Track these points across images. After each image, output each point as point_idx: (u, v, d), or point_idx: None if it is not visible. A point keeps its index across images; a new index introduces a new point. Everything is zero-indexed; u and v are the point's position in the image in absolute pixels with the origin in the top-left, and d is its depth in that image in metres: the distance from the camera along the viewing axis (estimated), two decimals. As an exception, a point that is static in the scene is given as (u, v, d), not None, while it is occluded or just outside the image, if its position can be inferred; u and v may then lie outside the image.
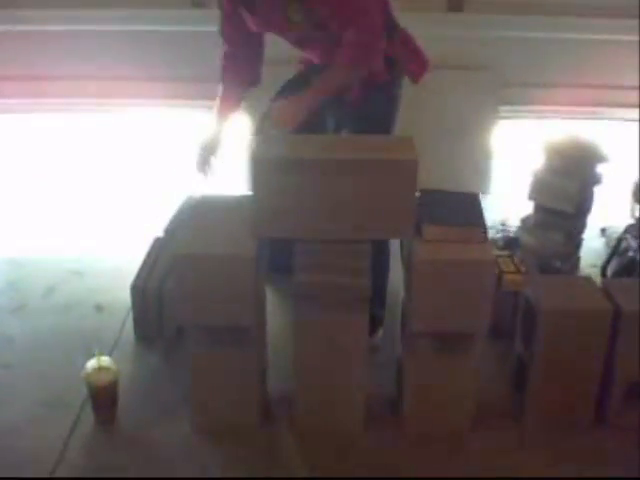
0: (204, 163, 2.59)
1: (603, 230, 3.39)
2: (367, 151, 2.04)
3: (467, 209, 2.16)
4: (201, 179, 2.60)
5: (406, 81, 2.58)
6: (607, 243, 3.27)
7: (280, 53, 2.60)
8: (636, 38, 3.51)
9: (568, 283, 2.36)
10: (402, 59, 2.50)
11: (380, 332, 2.63)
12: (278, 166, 1.97)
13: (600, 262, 3.06)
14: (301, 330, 2.12)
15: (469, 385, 2.18)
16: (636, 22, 3.46)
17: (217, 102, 2.58)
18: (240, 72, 2.57)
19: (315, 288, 2.04)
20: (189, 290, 2.03)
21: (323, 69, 2.34)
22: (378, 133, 2.41)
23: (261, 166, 1.97)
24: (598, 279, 2.74)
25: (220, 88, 2.58)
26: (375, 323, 2.55)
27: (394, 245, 2.51)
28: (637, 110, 3.66)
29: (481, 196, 2.31)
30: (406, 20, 2.56)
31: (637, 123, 3.65)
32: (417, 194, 2.06)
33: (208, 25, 2.76)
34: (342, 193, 1.96)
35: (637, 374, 2.17)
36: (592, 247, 3.26)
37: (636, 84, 3.63)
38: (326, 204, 1.98)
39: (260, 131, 2.43)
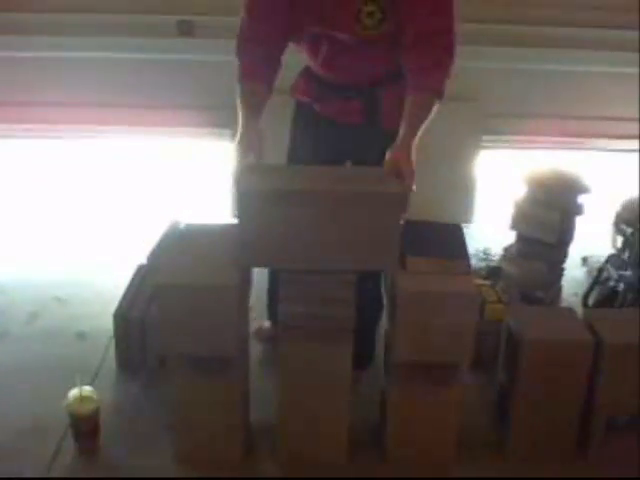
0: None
1: (585, 259, 3.43)
2: (353, 183, 2.04)
3: (450, 240, 2.18)
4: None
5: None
6: (589, 272, 3.31)
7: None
8: (619, 70, 3.58)
9: (550, 314, 2.39)
10: None
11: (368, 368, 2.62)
12: (263, 197, 1.96)
13: (581, 291, 3.09)
14: (285, 360, 2.12)
15: (452, 415, 2.19)
16: (620, 54, 3.52)
17: (242, 102, 2.22)
18: (263, 73, 2.26)
19: (299, 319, 2.04)
20: (172, 319, 2.02)
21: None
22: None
23: (246, 197, 1.97)
24: (579, 308, 2.78)
25: (240, 89, 2.24)
26: (365, 359, 2.56)
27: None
28: (632, 140, 3.72)
29: (464, 226, 2.32)
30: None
31: (627, 154, 3.71)
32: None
33: (194, 54, 2.80)
34: (327, 224, 1.97)
35: (618, 405, 2.18)
36: (574, 276, 3.30)
37: (618, 115, 3.69)
38: (311, 235, 1.98)
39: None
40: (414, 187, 2.03)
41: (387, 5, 2.10)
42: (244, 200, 1.97)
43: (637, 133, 3.68)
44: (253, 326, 2.59)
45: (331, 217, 1.96)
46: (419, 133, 2.10)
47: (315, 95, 2.40)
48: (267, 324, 2.79)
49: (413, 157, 2.06)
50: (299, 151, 2.50)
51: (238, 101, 2.21)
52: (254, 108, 2.18)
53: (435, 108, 2.13)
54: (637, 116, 3.62)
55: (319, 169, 2.19)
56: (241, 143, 2.08)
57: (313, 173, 2.13)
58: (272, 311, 2.70)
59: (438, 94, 2.14)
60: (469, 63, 3.65)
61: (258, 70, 2.23)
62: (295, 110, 2.54)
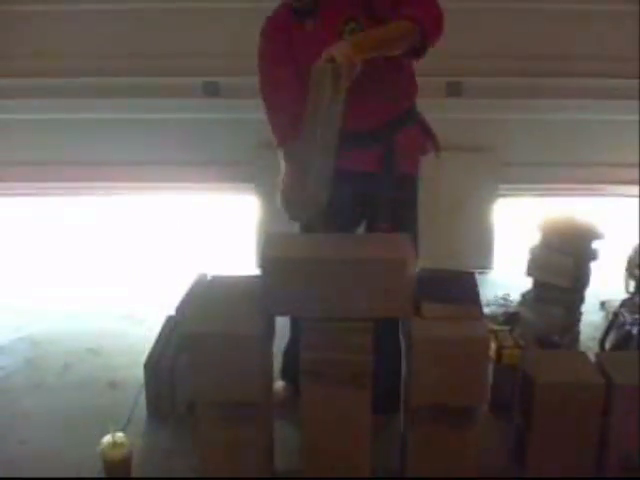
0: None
1: (603, 303, 3.48)
2: (365, 250, 2.19)
3: (463, 287, 2.27)
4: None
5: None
6: (606, 316, 3.36)
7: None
8: (634, 118, 3.67)
9: (563, 358, 2.45)
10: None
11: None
12: (286, 264, 2.11)
13: (599, 335, 3.14)
14: (307, 406, 2.20)
15: (470, 456, 2.23)
16: (634, 103, 3.63)
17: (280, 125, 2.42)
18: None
19: (320, 364, 2.14)
20: (200, 367, 2.12)
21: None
22: (409, 218, 2.53)
23: (270, 264, 2.11)
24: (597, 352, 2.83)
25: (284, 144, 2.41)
26: (393, 401, 2.56)
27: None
28: (636, 187, 3.79)
29: (483, 273, 2.40)
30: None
31: (633, 199, 3.77)
32: (416, 272, 2.17)
33: (219, 113, 2.94)
34: (344, 283, 2.09)
35: (631, 445, 2.23)
36: (592, 320, 3.35)
37: (633, 161, 3.77)
38: (331, 290, 2.10)
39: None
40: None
41: (367, 22, 2.24)
42: (267, 266, 2.11)
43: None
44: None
45: (347, 278, 2.09)
46: (376, 46, 2.12)
47: None
48: (280, 384, 2.80)
49: (357, 58, 2.03)
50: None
51: (282, 163, 2.40)
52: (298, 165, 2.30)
53: (410, 38, 2.16)
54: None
55: (333, 236, 2.35)
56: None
57: (329, 241, 2.31)
58: (287, 372, 2.79)
59: (420, 24, 2.16)
60: (485, 115, 3.80)
61: (289, 132, 2.34)
62: None
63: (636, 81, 3.58)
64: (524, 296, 3.25)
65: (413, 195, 2.57)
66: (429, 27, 2.18)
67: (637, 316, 2.89)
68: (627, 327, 2.93)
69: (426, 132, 2.57)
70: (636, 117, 3.64)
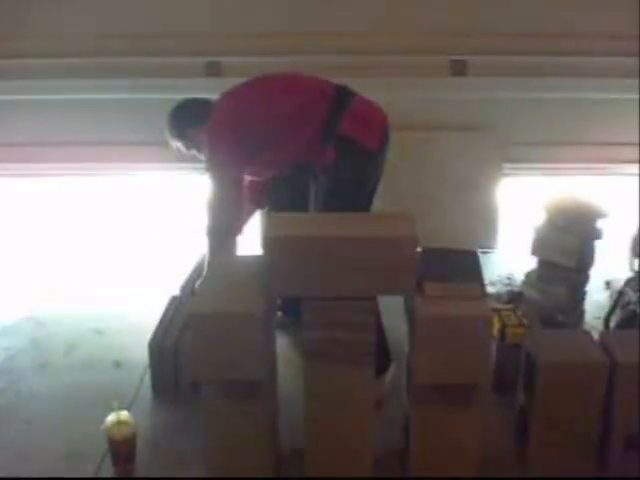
0: None
1: (608, 283, 3.48)
2: (369, 228, 2.19)
3: (466, 266, 2.26)
4: None
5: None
6: (611, 296, 3.35)
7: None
8: (634, 96, 3.65)
9: (567, 337, 2.44)
10: (352, 135, 2.64)
11: (391, 368, 2.74)
12: (288, 243, 2.11)
13: (604, 314, 3.13)
14: (310, 385, 2.21)
15: (473, 435, 2.24)
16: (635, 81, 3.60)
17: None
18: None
19: (322, 344, 2.14)
20: (203, 346, 2.13)
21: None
22: (343, 203, 2.58)
23: (272, 244, 2.12)
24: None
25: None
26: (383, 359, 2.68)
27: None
28: (637, 165, 3.78)
29: (488, 252, 2.40)
30: (412, 85, 2.70)
31: (636, 178, 3.76)
32: (418, 252, 2.17)
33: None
34: (347, 262, 2.08)
35: (635, 424, 2.23)
36: (597, 300, 3.35)
37: (635, 140, 3.75)
38: (333, 270, 2.09)
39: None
40: None
41: None
42: (271, 244, 2.11)
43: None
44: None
45: (349, 257, 2.09)
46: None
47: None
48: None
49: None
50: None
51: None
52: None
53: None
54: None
55: (335, 215, 2.37)
56: None
57: (332, 220, 2.32)
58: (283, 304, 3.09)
59: None
60: (488, 94, 3.78)
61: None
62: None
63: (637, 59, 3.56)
64: (528, 275, 3.25)
65: (350, 182, 2.66)
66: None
67: (641, 295, 2.89)
68: (631, 306, 2.93)
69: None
70: (635, 95, 3.61)
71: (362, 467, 2.29)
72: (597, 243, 3.10)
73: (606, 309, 3.15)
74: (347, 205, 2.52)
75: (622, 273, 3.23)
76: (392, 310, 2.50)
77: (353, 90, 2.73)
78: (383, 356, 2.71)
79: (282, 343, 2.75)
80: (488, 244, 3.87)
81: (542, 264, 3.15)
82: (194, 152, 2.93)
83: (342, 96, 2.71)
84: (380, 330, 2.69)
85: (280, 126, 2.68)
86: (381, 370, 2.66)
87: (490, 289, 2.99)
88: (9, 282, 3.67)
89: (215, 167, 2.68)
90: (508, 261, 3.70)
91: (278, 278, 2.13)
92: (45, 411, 2.66)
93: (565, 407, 2.23)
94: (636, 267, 3.02)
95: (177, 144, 2.94)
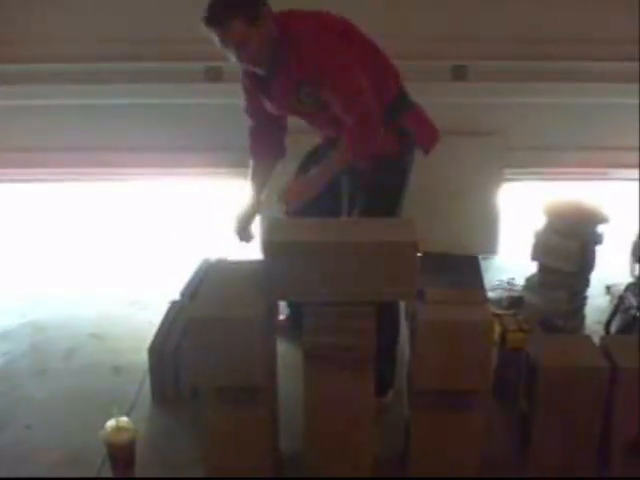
0: (243, 231, 2.79)
1: (608, 288, 3.47)
2: (369, 233, 2.18)
3: (467, 271, 2.26)
4: (240, 245, 2.82)
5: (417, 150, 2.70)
6: (612, 300, 3.34)
7: (302, 123, 2.74)
8: (635, 101, 3.64)
9: (568, 341, 2.44)
10: (413, 131, 2.61)
11: (390, 394, 2.69)
12: (288, 248, 2.11)
13: (604, 319, 3.13)
14: (310, 390, 2.21)
15: (474, 440, 2.24)
16: (635, 86, 3.60)
17: (249, 175, 2.79)
18: (266, 147, 2.79)
19: (322, 349, 2.13)
20: (202, 351, 2.12)
21: (336, 144, 2.47)
22: (388, 202, 2.57)
23: (272, 248, 2.11)
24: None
25: (250, 162, 2.79)
26: (384, 384, 2.63)
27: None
28: (637, 170, 3.77)
29: (489, 258, 2.39)
30: (413, 90, 2.69)
31: (637, 183, 3.75)
32: (419, 257, 2.16)
33: (221, 98, 2.94)
34: (348, 267, 2.08)
35: (636, 429, 2.23)
36: (598, 305, 3.34)
37: (635, 145, 3.74)
38: (333, 274, 2.09)
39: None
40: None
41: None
42: (270, 251, 2.11)
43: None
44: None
45: (350, 262, 2.08)
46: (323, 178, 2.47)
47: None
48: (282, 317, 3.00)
49: (303, 192, 2.48)
50: None
51: (248, 180, 2.79)
52: (259, 185, 2.79)
53: (348, 160, 2.47)
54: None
55: (338, 221, 2.44)
56: (239, 214, 2.77)
57: (332, 226, 2.34)
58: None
59: (350, 155, 2.44)
60: (489, 99, 3.78)
61: (263, 149, 2.78)
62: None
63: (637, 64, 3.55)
64: (529, 280, 3.24)
65: (394, 178, 2.62)
66: (359, 156, 2.44)
67: (641, 299, 2.88)
68: (632, 311, 2.92)
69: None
70: (636, 100, 3.61)
71: (362, 469, 2.28)
72: (598, 248, 3.09)
73: (607, 314, 3.15)
74: (392, 208, 2.55)
75: (623, 278, 3.23)
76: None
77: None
78: (388, 375, 2.68)
79: (284, 348, 2.74)
80: (488, 249, 3.87)
81: (543, 269, 3.14)
82: (252, 35, 2.39)
83: (405, 92, 2.67)
84: (394, 342, 2.69)
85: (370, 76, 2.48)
86: (381, 392, 2.58)
87: (490, 294, 2.98)
88: (8, 287, 3.66)
89: (342, 68, 2.43)
90: (508, 266, 3.69)
91: (278, 283, 2.12)
92: (44, 416, 2.65)
93: (566, 411, 2.22)
94: (637, 272, 3.02)
95: (233, 25, 2.38)
